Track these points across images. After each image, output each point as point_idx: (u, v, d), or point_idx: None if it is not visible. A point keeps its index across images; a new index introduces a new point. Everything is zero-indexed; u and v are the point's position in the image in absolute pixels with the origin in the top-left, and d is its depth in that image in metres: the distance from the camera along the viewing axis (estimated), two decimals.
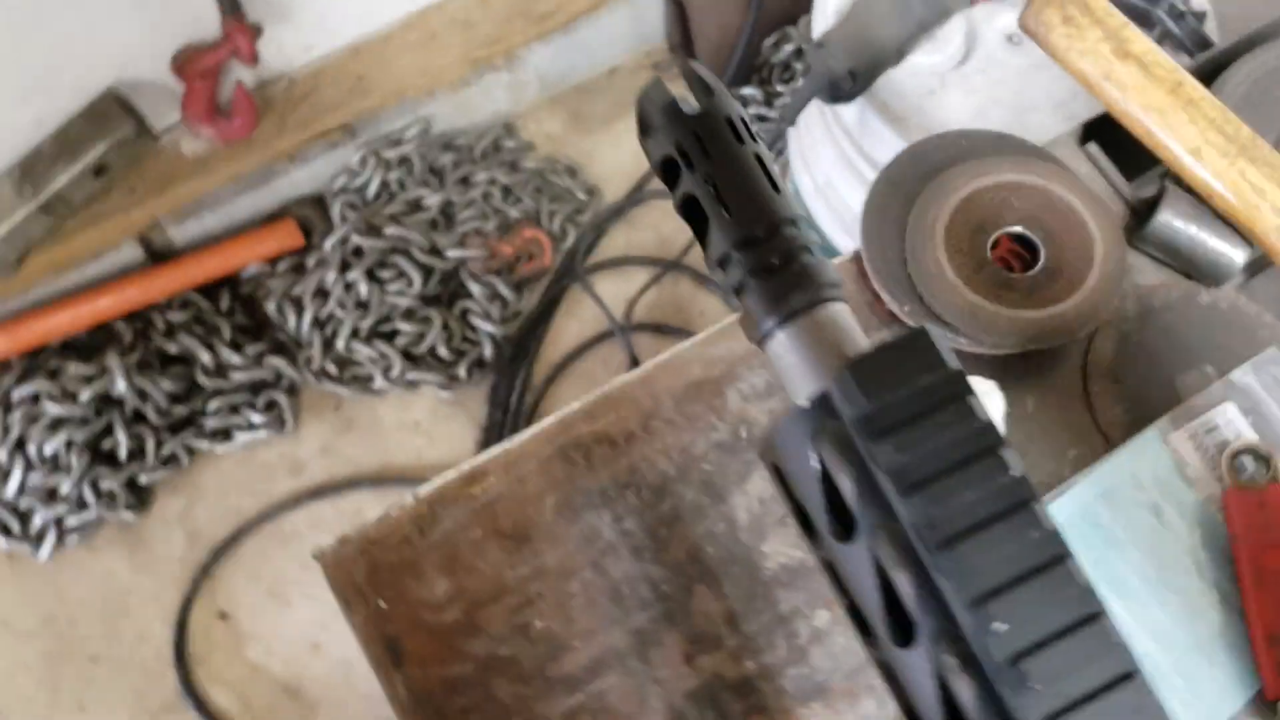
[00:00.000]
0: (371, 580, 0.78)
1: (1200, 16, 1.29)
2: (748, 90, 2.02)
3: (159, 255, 1.92)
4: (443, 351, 1.89)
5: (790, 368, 0.36)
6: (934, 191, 0.86)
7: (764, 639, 0.78)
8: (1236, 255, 0.85)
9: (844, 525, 0.33)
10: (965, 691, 0.29)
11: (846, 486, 0.33)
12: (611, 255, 2.01)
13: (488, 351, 1.90)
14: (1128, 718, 0.29)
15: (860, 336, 0.36)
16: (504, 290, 1.92)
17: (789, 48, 2.02)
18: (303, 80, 1.92)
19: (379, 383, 1.88)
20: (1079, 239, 0.84)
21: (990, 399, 0.68)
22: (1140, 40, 0.85)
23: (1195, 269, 0.87)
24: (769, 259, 0.36)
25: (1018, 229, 0.85)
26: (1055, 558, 0.31)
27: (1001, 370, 0.84)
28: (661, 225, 2.03)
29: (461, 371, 1.89)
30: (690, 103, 0.38)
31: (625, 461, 0.82)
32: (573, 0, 1.98)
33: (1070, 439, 0.84)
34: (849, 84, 1.33)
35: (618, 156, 2.09)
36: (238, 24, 1.70)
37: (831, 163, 1.51)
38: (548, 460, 0.82)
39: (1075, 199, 0.85)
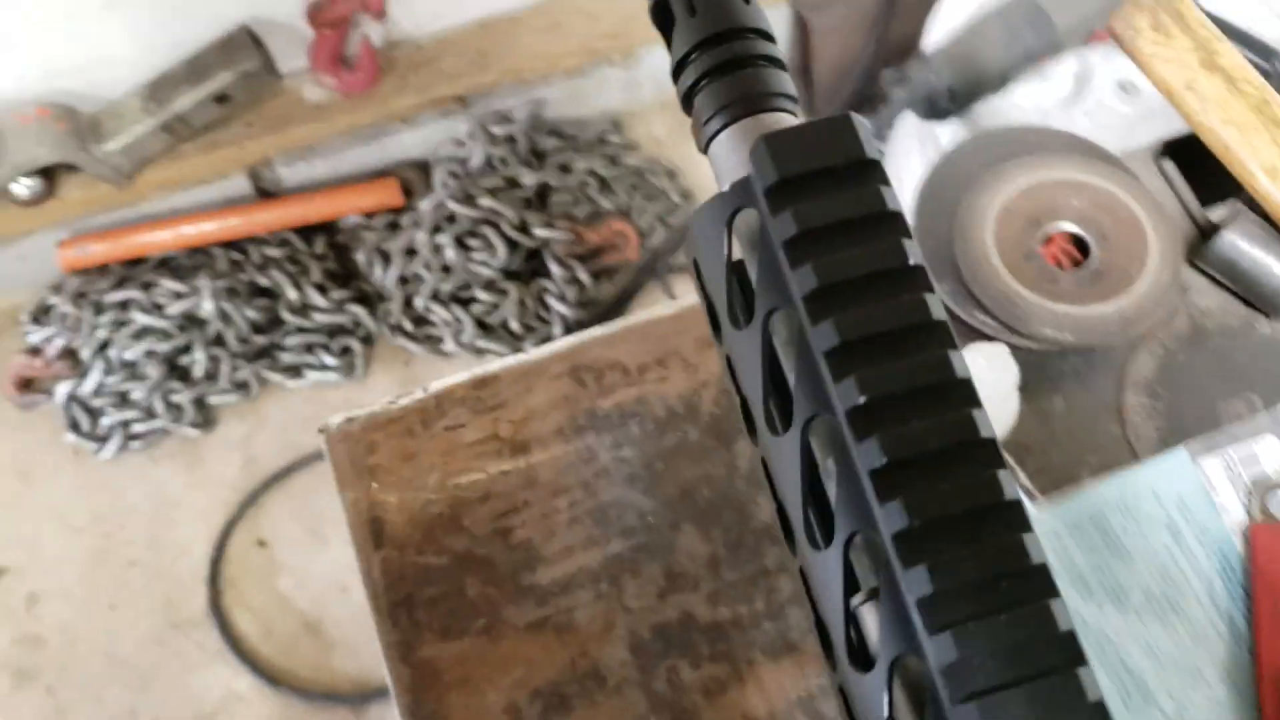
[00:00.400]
0: (369, 462, 0.79)
1: None
2: (857, 118, 2.01)
3: (265, 191, 1.98)
4: (514, 325, 1.91)
5: (727, 171, 0.36)
6: (995, 175, 0.84)
7: (743, 589, 0.77)
8: None
9: (745, 312, 0.33)
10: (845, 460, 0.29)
11: (751, 268, 0.32)
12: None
13: (557, 331, 1.92)
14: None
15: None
16: (583, 276, 1.93)
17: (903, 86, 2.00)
18: (427, 46, 1.98)
19: (449, 345, 1.91)
20: (1134, 244, 0.82)
21: (1001, 365, 0.66)
22: (1231, 54, 0.83)
23: (1257, 296, 0.84)
24: (724, 60, 0.36)
25: (1073, 227, 0.83)
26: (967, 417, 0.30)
27: (1036, 366, 0.82)
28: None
29: (528, 347, 1.90)
30: None
31: (635, 391, 0.82)
32: None
33: (1094, 446, 0.81)
34: (947, 101, 1.32)
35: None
36: None
37: (919, 177, 1.49)
38: (558, 377, 0.82)
39: (1137, 206, 0.83)
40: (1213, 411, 0.82)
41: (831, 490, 0.31)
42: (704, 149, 0.38)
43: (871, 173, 0.31)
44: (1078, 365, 0.83)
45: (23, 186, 1.77)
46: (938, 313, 0.30)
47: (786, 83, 0.37)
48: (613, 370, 0.83)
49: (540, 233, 1.94)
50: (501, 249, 1.91)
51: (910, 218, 0.86)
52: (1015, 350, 0.82)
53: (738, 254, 0.35)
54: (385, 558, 0.76)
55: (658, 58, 2.05)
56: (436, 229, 1.94)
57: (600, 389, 0.82)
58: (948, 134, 1.39)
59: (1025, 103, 1.38)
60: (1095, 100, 1.39)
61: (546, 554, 0.77)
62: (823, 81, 2.03)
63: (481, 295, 1.92)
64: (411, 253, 1.94)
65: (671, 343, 0.84)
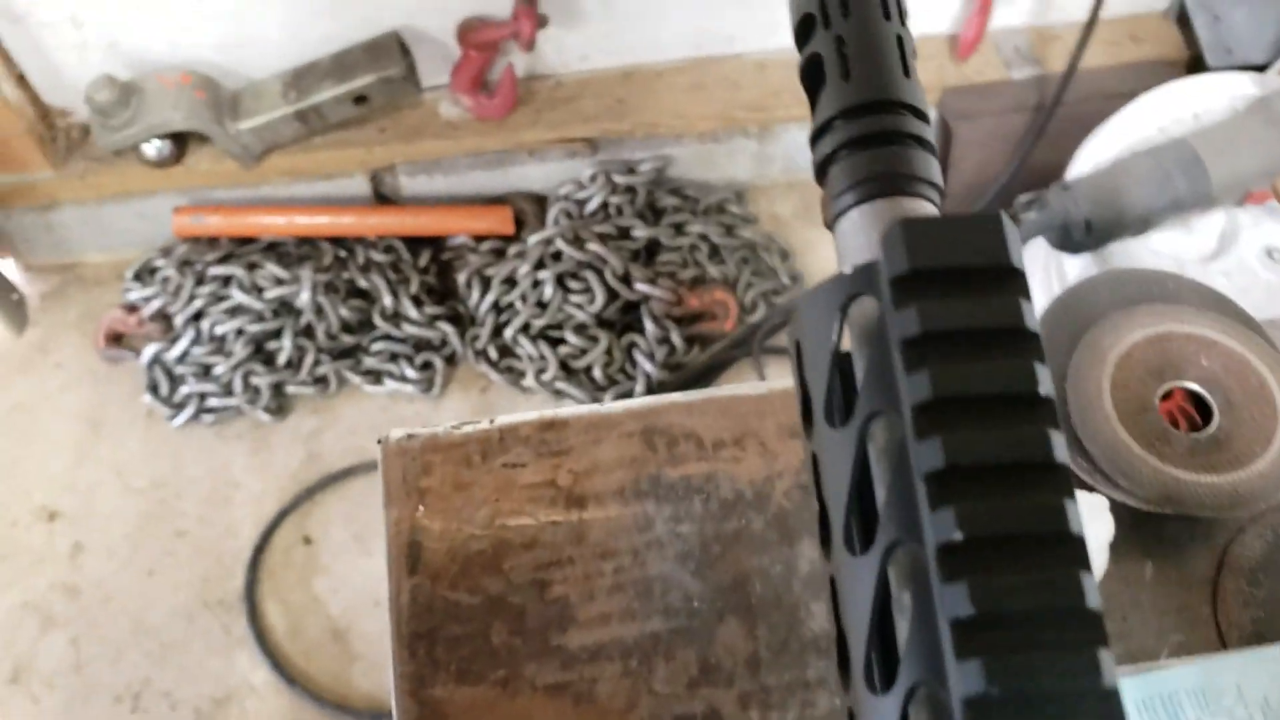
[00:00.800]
0: (421, 483, 0.77)
1: None
2: None
3: (383, 196, 2.00)
4: (598, 373, 1.89)
5: (852, 251, 0.33)
6: (1122, 319, 0.80)
7: (778, 696, 0.73)
8: None
9: (843, 411, 0.29)
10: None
11: (859, 363, 0.29)
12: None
13: (639, 389, 1.89)
14: None
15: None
16: (676, 338, 1.91)
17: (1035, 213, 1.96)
18: (568, 85, 1.98)
19: (529, 380, 1.89)
20: (1262, 418, 0.77)
21: (1096, 517, 0.62)
22: None
23: None
24: (869, 132, 0.33)
25: (1197, 387, 0.78)
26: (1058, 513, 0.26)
27: (1131, 525, 0.77)
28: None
29: (607, 398, 1.88)
30: None
31: (706, 467, 0.78)
32: None
33: (1179, 624, 0.75)
34: (1082, 234, 1.27)
35: (835, 256, 2.06)
36: (528, 9, 1.77)
37: (1041, 310, 1.44)
38: (630, 435, 0.79)
39: (1272, 378, 0.78)
40: None
41: (902, 631, 0.27)
42: (831, 224, 0.34)
43: (1013, 283, 0.27)
44: (1176, 533, 0.77)
45: (153, 147, 1.81)
46: (1061, 455, 0.26)
47: (934, 169, 0.33)
48: (687, 440, 0.79)
49: (641, 287, 1.92)
50: (600, 295, 1.90)
51: None
52: (1112, 506, 0.76)
53: (846, 345, 0.31)
54: (416, 585, 0.73)
55: (793, 135, 2.03)
56: (540, 264, 1.93)
57: (670, 457, 0.79)
58: (1076, 268, 1.34)
59: (1164, 249, 1.33)
60: (1237, 261, 1.33)
61: (581, 617, 0.73)
62: (956, 193, 1.99)
63: (571, 338, 1.90)
64: (511, 283, 1.94)
65: (752, 424, 0.81)
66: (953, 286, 0.27)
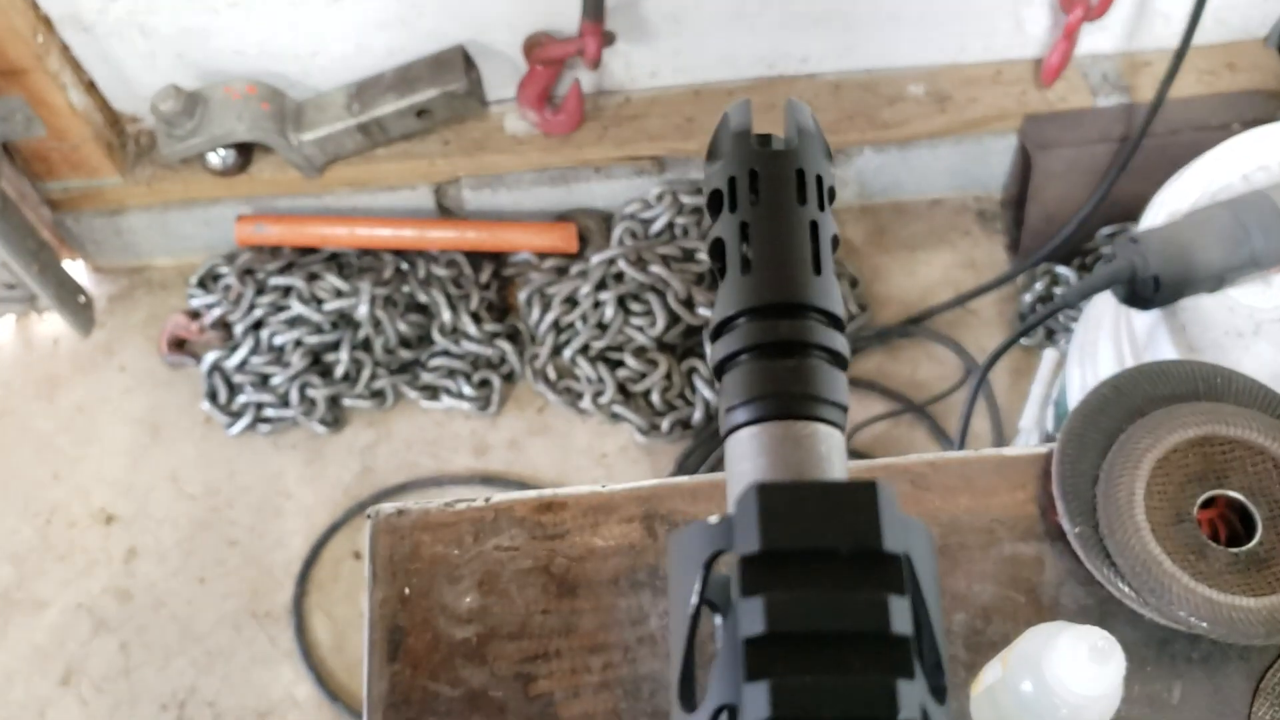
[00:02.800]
0: (410, 564, 0.74)
1: None
2: (1063, 270, 1.89)
3: (446, 210, 1.98)
4: (656, 398, 1.85)
5: (740, 477, 0.29)
6: (1162, 418, 0.74)
7: None
8: None
9: (692, 689, 0.26)
10: None
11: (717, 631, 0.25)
12: (857, 374, 1.92)
13: (698, 416, 1.85)
14: None
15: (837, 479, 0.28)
16: None
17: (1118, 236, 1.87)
18: (636, 102, 1.95)
19: (586, 403, 1.87)
20: None
21: (1105, 657, 0.56)
22: None
23: None
24: (771, 340, 0.29)
25: (1240, 496, 0.71)
26: None
27: (1158, 643, 0.71)
28: (920, 367, 1.92)
29: (665, 424, 1.84)
30: (780, 140, 0.31)
31: None
32: (921, 119, 1.91)
33: None
34: (1150, 290, 1.20)
35: (906, 284, 2.00)
36: (594, 26, 1.73)
37: (1108, 365, 1.37)
38: (629, 520, 0.75)
39: None
40: None
41: None
42: (722, 437, 0.30)
43: (882, 573, 0.23)
44: (1208, 654, 0.71)
45: (217, 156, 1.82)
46: None
47: (840, 386, 0.29)
48: None
49: (704, 312, 1.87)
50: (661, 319, 1.86)
51: (1059, 440, 0.76)
52: (1138, 620, 0.71)
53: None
54: (396, 673, 0.71)
55: (867, 159, 1.97)
56: (602, 284, 1.90)
57: None
58: (1144, 323, 1.27)
59: (1241, 303, 1.24)
60: None
61: (564, 716, 0.70)
62: (1034, 222, 1.91)
63: (630, 361, 1.87)
64: (572, 302, 1.91)
65: None
66: (809, 574, 0.23)
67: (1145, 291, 1.19)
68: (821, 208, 0.30)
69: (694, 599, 0.26)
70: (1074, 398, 1.51)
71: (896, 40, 1.90)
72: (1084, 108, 1.89)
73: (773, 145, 0.31)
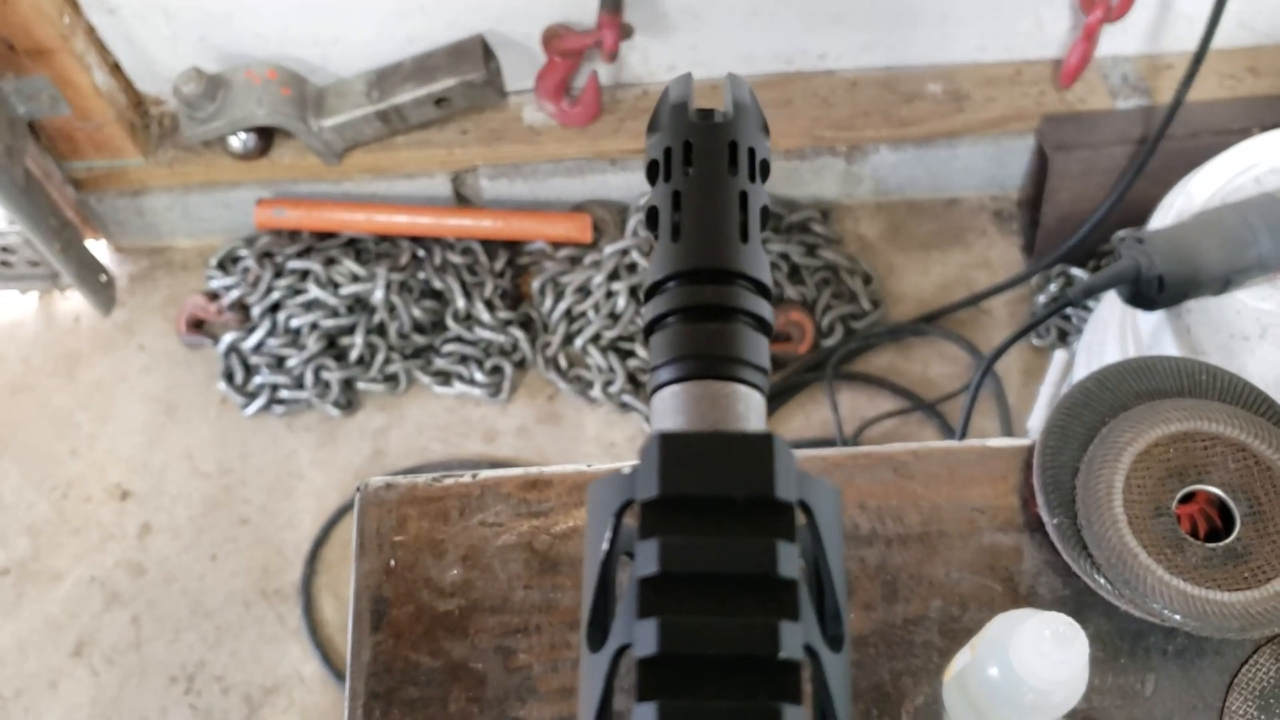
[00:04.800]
0: (395, 536, 0.76)
1: None
2: (1078, 272, 1.89)
3: (463, 198, 2.00)
4: None
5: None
6: (1144, 412, 0.74)
7: None
8: None
9: (601, 630, 0.27)
10: None
11: (622, 578, 0.26)
12: (868, 370, 1.92)
13: None
14: None
15: (732, 417, 0.29)
16: None
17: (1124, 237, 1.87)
18: (653, 94, 1.96)
19: (597, 392, 1.88)
20: None
21: (1067, 643, 0.57)
22: None
23: None
24: (697, 303, 0.30)
25: (1220, 492, 0.72)
26: None
27: (1133, 635, 0.72)
28: (932, 366, 1.92)
29: None
30: (718, 114, 0.33)
31: None
32: (938, 117, 1.91)
33: None
34: (1154, 290, 1.20)
35: (920, 282, 2.00)
36: (611, 19, 1.74)
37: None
38: None
39: None
40: None
41: None
42: (649, 396, 0.32)
43: (774, 521, 0.24)
44: (1183, 647, 0.72)
45: (238, 140, 1.84)
46: None
47: (762, 350, 0.30)
48: None
49: None
50: None
51: (1042, 432, 0.76)
52: (1113, 612, 0.71)
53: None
54: (379, 643, 0.72)
55: (883, 156, 1.97)
56: (615, 275, 1.91)
57: None
58: (1150, 324, 1.27)
59: (1248, 305, 1.24)
60: None
61: (543, 689, 0.71)
62: (1050, 223, 1.90)
63: (641, 351, 1.88)
64: (585, 292, 1.92)
65: None
66: (704, 519, 0.24)
67: (1149, 292, 1.19)
68: (753, 179, 0.31)
69: (604, 545, 0.27)
70: None
71: (915, 39, 1.90)
72: (1103, 109, 1.88)
73: (699, 116, 0.32)
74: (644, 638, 0.23)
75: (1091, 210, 1.87)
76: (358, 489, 0.77)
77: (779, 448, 0.25)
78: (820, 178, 2.00)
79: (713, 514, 0.24)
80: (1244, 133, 1.80)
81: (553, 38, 1.82)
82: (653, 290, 0.31)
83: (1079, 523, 0.72)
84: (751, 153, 0.32)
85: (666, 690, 0.23)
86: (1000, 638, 0.61)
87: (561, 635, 0.72)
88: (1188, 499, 0.73)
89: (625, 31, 1.78)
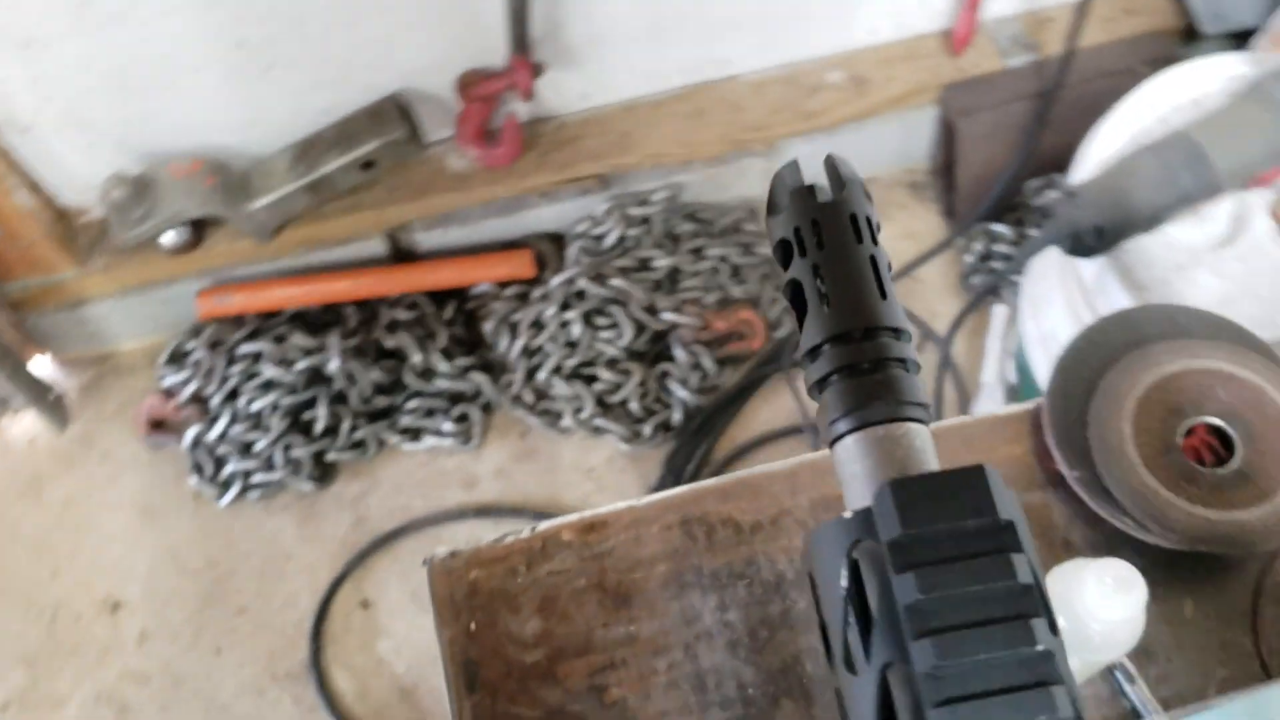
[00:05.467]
0: (470, 600, 0.79)
1: None
2: (999, 227, 1.97)
3: (402, 254, 2.02)
4: (634, 406, 1.91)
5: (851, 477, 0.35)
6: (1136, 360, 0.81)
7: None
8: None
9: (863, 644, 0.31)
10: None
11: (870, 612, 0.31)
12: None
13: (676, 417, 1.91)
14: None
15: (933, 466, 0.34)
16: (707, 362, 1.92)
17: (1048, 193, 1.96)
18: (571, 125, 2.00)
19: (567, 421, 1.92)
20: None
21: (1131, 587, 0.63)
22: None
23: None
24: (857, 360, 0.34)
25: (1218, 421, 0.79)
26: None
27: (1165, 565, 0.78)
28: None
29: (647, 430, 1.90)
30: (825, 191, 0.37)
31: (745, 550, 0.80)
32: (844, 104, 1.98)
33: (1224, 658, 0.77)
34: (1093, 239, 1.27)
35: None
36: (522, 60, 1.78)
37: (1060, 314, 1.45)
38: (669, 528, 0.81)
39: None
40: None
41: None
42: (829, 445, 0.36)
43: (1005, 538, 0.29)
44: (1212, 568, 0.78)
45: (169, 236, 1.84)
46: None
47: (919, 389, 0.35)
48: (725, 526, 0.81)
49: (668, 316, 1.93)
50: (628, 329, 1.92)
51: (1046, 396, 0.82)
52: (1144, 547, 0.78)
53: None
54: (477, 703, 0.76)
55: (797, 148, 2.04)
56: (565, 305, 1.95)
57: (710, 545, 0.80)
58: (1092, 270, 1.35)
59: (1178, 240, 1.33)
60: (1250, 242, 1.33)
61: (641, 718, 0.75)
62: (965, 186, 1.99)
63: (604, 374, 1.92)
64: (539, 326, 1.96)
65: (785, 502, 0.82)
66: (946, 547, 0.29)
67: (1089, 240, 1.27)
68: (875, 243, 0.36)
69: (843, 583, 0.31)
70: (1031, 348, 1.58)
71: (810, 32, 1.97)
72: (997, 70, 1.97)
73: (818, 195, 0.36)
74: (923, 655, 0.28)
75: (1002, 167, 1.96)
76: (424, 563, 0.81)
77: (992, 476, 0.30)
78: (744, 179, 2.06)
79: (952, 543, 0.29)
80: (1131, 72, 1.90)
81: (468, 84, 1.85)
82: (813, 353, 0.36)
83: (1098, 472, 0.78)
84: (869, 220, 0.36)
85: (950, 694, 0.27)
86: (1062, 590, 0.66)
87: (648, 664, 0.76)
88: (1189, 433, 0.79)
89: (537, 69, 1.82)
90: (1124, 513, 0.77)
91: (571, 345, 1.94)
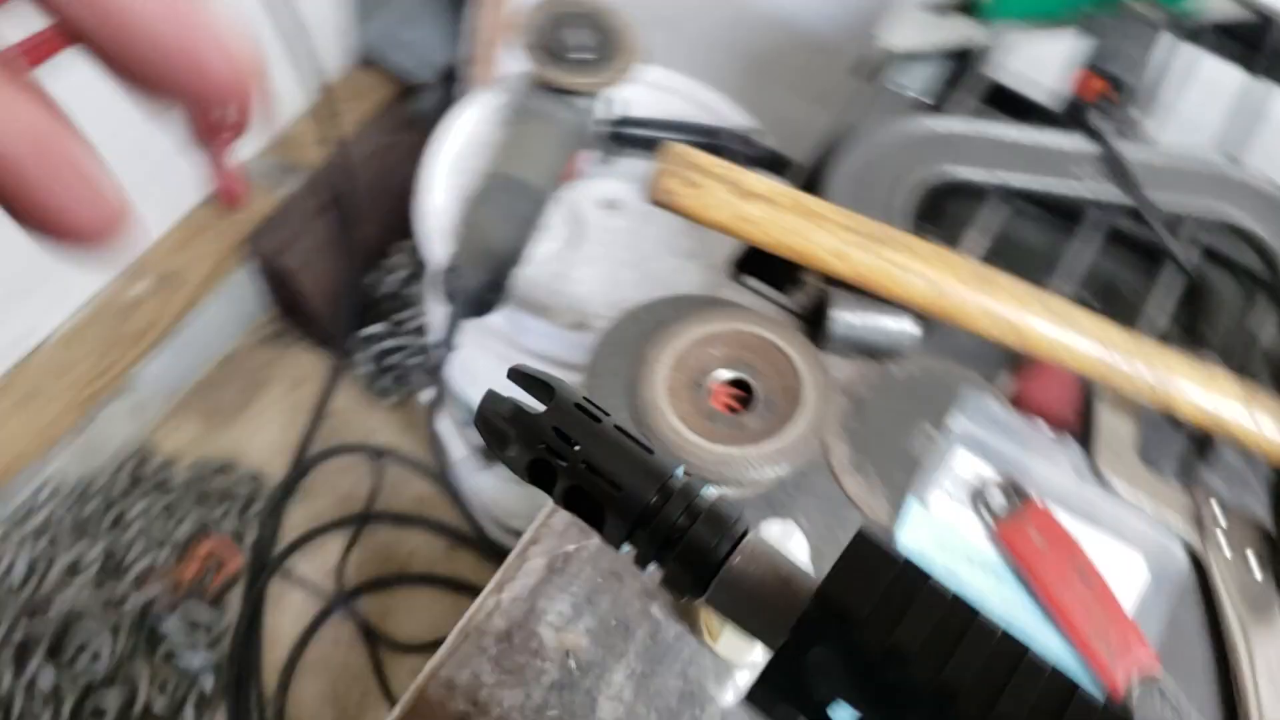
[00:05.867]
0: None
1: (762, 135, 1.45)
2: (376, 328, 2.03)
3: None
4: (160, 706, 1.72)
5: (742, 617, 0.37)
6: (641, 369, 0.90)
7: None
8: (908, 326, 0.94)
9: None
10: None
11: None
12: (299, 533, 1.92)
13: (208, 685, 1.75)
14: None
15: (786, 557, 0.37)
16: (201, 614, 1.78)
17: (391, 277, 2.05)
18: None
19: None
20: (780, 364, 0.91)
21: (793, 541, 0.71)
22: (755, 179, 0.94)
23: (878, 350, 0.96)
24: (674, 521, 0.36)
25: (728, 373, 0.90)
26: None
27: (765, 503, 0.88)
28: (337, 484, 1.97)
29: (189, 717, 1.72)
30: (530, 404, 0.38)
31: None
32: (165, 309, 1.90)
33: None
34: (491, 295, 1.37)
35: (265, 437, 2.01)
36: None
37: (494, 368, 1.54)
38: None
39: (762, 329, 0.92)
40: (909, 455, 0.92)
41: None
42: (696, 602, 0.38)
43: (918, 575, 0.33)
44: (798, 483, 0.90)
45: None
46: None
47: (729, 503, 0.38)
48: None
49: (134, 600, 1.75)
50: (105, 638, 1.71)
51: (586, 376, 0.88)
52: (746, 501, 0.87)
53: None
54: None
55: (151, 370, 1.93)
56: (21, 659, 1.69)
57: None
58: (498, 319, 1.43)
59: (543, 256, 1.46)
60: (594, 226, 1.50)
61: None
62: (320, 309, 2.00)
63: (109, 697, 1.70)
64: None
65: (468, 680, 0.81)
66: (890, 610, 0.33)
67: (489, 298, 1.36)
68: (605, 413, 0.38)
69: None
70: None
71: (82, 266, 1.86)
72: (282, 203, 2.00)
73: (538, 404, 0.37)
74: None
75: (341, 278, 2.00)
76: None
77: (868, 531, 0.34)
78: (114, 428, 1.91)
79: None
80: (394, 144, 2.03)
81: None
82: (630, 539, 0.37)
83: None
84: (587, 399, 0.38)
85: None
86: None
87: None
88: (713, 395, 0.90)
89: None
90: (721, 485, 0.86)
91: (52, 695, 1.69)
